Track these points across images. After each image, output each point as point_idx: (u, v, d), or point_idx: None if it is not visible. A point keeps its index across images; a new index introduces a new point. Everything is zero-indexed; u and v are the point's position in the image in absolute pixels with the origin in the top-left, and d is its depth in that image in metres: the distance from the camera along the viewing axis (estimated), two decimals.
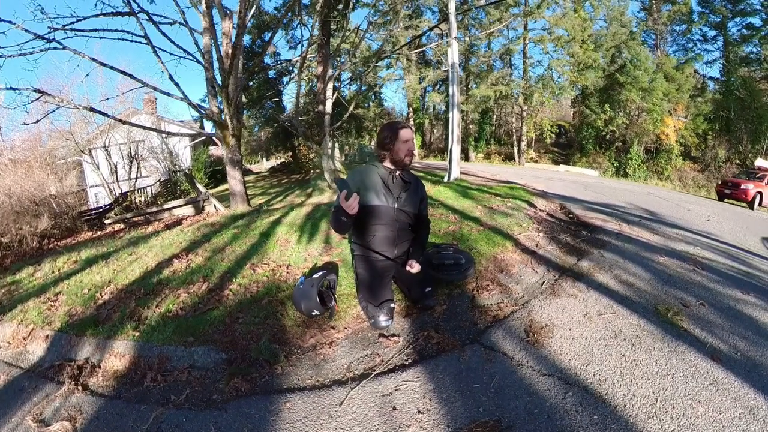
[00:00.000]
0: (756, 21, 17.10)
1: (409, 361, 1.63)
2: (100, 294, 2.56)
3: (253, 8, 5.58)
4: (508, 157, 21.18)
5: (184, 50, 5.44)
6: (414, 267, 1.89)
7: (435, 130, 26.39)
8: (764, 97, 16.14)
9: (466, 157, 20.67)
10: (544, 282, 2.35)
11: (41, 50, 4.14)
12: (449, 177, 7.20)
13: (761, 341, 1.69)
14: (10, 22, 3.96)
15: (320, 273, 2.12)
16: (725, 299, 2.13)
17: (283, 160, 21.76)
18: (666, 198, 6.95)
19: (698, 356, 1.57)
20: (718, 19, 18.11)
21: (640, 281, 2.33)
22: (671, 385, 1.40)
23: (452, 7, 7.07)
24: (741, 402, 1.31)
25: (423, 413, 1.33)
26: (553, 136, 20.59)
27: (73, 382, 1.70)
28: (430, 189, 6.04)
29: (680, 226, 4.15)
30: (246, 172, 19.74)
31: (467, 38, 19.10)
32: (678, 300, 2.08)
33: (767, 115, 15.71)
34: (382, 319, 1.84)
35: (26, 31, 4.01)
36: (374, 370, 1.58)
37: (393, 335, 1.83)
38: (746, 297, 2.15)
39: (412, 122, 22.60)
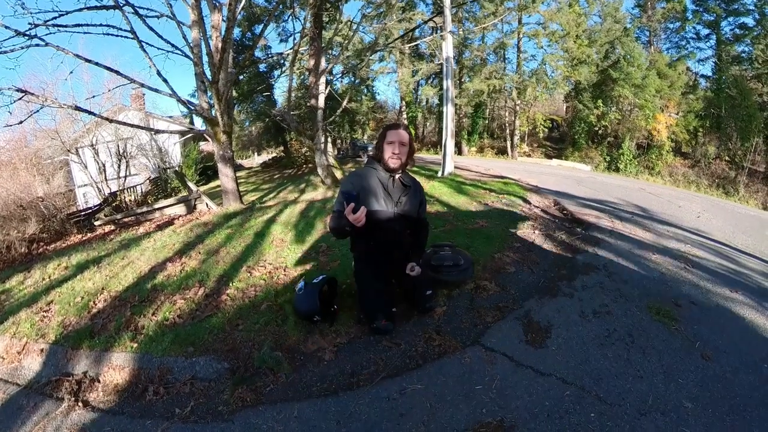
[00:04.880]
0: (749, 21, 17.40)
1: (412, 364, 1.65)
2: (94, 302, 2.51)
3: (243, 0, 5.41)
4: (501, 151, 21.27)
5: (172, 45, 5.26)
6: (414, 270, 1.90)
7: (428, 124, 26.28)
8: (754, 96, 16.45)
9: (459, 150, 20.68)
10: (540, 281, 2.39)
11: (23, 47, 3.94)
12: (443, 172, 7.21)
13: (748, 339, 1.76)
14: None
15: (320, 277, 2.12)
16: (715, 297, 2.19)
17: (275, 154, 21.47)
18: (657, 194, 7.08)
19: (689, 355, 1.62)
20: (712, 18, 18.29)
21: (633, 280, 2.39)
22: (663, 383, 1.45)
23: (447, 0, 6.98)
24: (728, 400, 1.37)
25: (429, 417, 1.35)
26: (546, 130, 20.69)
27: (73, 399, 1.67)
28: (425, 184, 6.05)
29: (671, 223, 4.24)
30: (237, 168, 19.39)
31: (461, 31, 18.94)
32: (670, 298, 2.13)
33: (757, 114, 16.04)
34: (384, 324, 1.85)
35: (6, 27, 3.82)
36: (378, 375, 1.59)
37: (395, 339, 1.84)
38: (734, 295, 2.22)
39: (405, 116, 22.45)
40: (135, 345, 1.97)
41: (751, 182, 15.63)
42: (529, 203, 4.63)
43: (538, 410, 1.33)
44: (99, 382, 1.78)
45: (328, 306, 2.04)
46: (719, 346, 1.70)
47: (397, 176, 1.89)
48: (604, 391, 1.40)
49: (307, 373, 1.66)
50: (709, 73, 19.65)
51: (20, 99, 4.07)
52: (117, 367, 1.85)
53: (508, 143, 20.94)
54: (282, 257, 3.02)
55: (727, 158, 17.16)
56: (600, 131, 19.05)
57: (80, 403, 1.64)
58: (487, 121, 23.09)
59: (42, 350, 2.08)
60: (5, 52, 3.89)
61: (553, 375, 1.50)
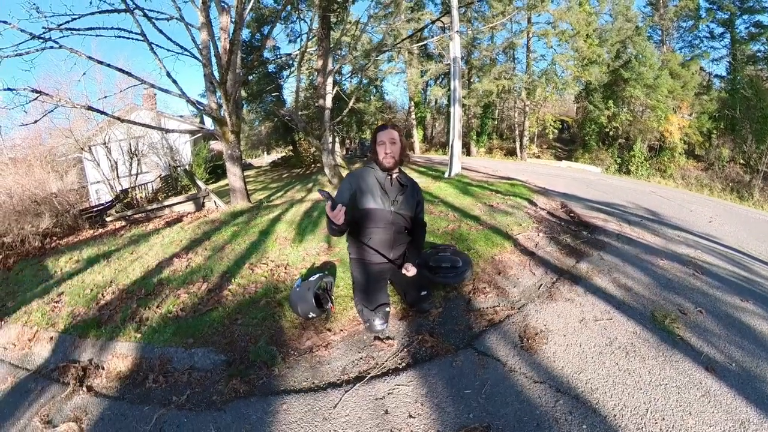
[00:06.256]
0: (764, 19, 16.85)
1: (403, 364, 1.65)
2: (102, 294, 2.59)
3: (251, 2, 5.49)
4: (510, 152, 21.01)
5: (182, 46, 5.39)
6: (410, 270, 1.89)
7: (437, 124, 26.15)
8: None
9: (467, 151, 20.51)
10: (541, 285, 2.35)
11: (37, 50, 4.12)
12: (450, 173, 7.16)
13: (757, 351, 1.68)
14: (5, 22, 3.93)
15: (317, 275, 2.14)
16: (724, 306, 2.11)
17: (283, 154, 21.73)
18: (668, 197, 6.89)
19: (692, 366, 1.56)
20: (726, 16, 17.74)
21: (638, 285, 2.32)
22: (663, 396, 1.39)
23: (454, 0, 6.93)
24: (732, 415, 1.30)
25: (414, 417, 1.35)
26: (556, 131, 20.33)
27: (78, 384, 1.74)
28: (431, 185, 6.01)
29: (682, 227, 4.12)
30: (246, 167, 19.70)
31: (470, 31, 18.78)
32: (676, 306, 2.06)
33: None
34: (378, 323, 1.85)
35: (22, 31, 3.99)
36: (368, 374, 1.60)
37: (388, 338, 1.84)
38: (745, 304, 2.13)
39: (413, 116, 22.39)
40: (139, 335, 2.03)
41: (766, 186, 15.04)
42: (536, 205, 4.55)
43: (527, 418, 1.31)
44: (103, 369, 1.86)
45: (323, 304, 2.05)
46: (726, 358, 1.63)
47: (394, 176, 1.88)
48: (598, 402, 1.36)
49: (300, 368, 1.69)
50: (724, 73, 19.03)
51: (35, 99, 4.23)
52: (121, 356, 1.92)
53: (518, 144, 20.65)
54: (284, 255, 3.06)
55: (741, 161, 16.56)
56: (611, 132, 18.61)
57: (84, 388, 1.72)
58: (496, 122, 22.84)
59: (51, 338, 2.18)
60: (21, 55, 4.06)
61: (546, 383, 1.47)
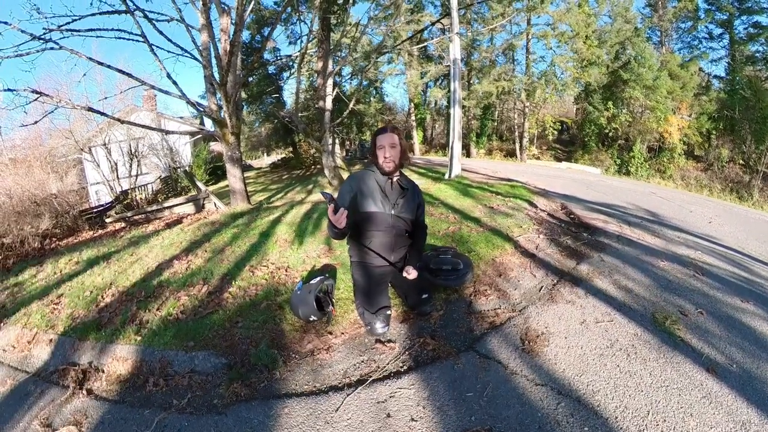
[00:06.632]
0: (763, 19, 16.92)
1: (405, 367, 1.64)
2: (102, 296, 2.59)
3: (252, 3, 5.50)
4: (510, 154, 21.06)
5: (182, 48, 5.40)
6: (411, 273, 1.89)
7: (437, 126, 26.19)
8: None
9: (467, 153, 20.56)
10: (542, 287, 2.35)
11: (38, 51, 4.13)
12: (450, 174, 7.17)
13: (758, 352, 1.68)
14: (5, 23, 3.94)
15: (318, 278, 2.14)
16: (724, 307, 2.11)
17: (283, 155, 21.72)
18: (668, 198, 6.90)
19: (693, 367, 1.56)
20: (725, 17, 17.86)
21: (639, 287, 2.32)
22: (664, 398, 1.39)
23: (454, 2, 6.95)
24: (734, 416, 1.31)
25: (416, 421, 1.35)
26: (556, 132, 20.37)
27: (78, 387, 1.73)
28: (431, 187, 6.02)
29: (682, 228, 4.13)
30: (246, 168, 19.70)
31: (470, 33, 18.84)
32: (676, 307, 2.07)
33: None
34: (379, 326, 1.85)
35: (22, 31, 4.00)
36: (370, 377, 1.60)
37: (389, 341, 1.84)
38: (745, 305, 2.14)
39: (413, 118, 22.43)
40: (139, 338, 2.03)
41: (766, 186, 15.07)
42: (536, 207, 4.56)
43: (529, 421, 1.31)
44: (103, 372, 1.85)
45: (324, 307, 2.05)
46: (726, 359, 1.63)
47: (394, 179, 1.88)
48: (600, 405, 1.37)
49: (301, 371, 1.68)
50: (723, 74, 19.10)
51: (35, 100, 4.23)
52: (121, 359, 1.92)
53: (517, 145, 20.70)
54: (284, 257, 3.05)
55: (741, 162, 16.62)
56: (610, 133, 18.66)
57: (84, 391, 1.71)
58: (495, 124, 22.90)
59: (51, 340, 2.17)
60: (21, 55, 4.06)
61: (547, 385, 1.47)
